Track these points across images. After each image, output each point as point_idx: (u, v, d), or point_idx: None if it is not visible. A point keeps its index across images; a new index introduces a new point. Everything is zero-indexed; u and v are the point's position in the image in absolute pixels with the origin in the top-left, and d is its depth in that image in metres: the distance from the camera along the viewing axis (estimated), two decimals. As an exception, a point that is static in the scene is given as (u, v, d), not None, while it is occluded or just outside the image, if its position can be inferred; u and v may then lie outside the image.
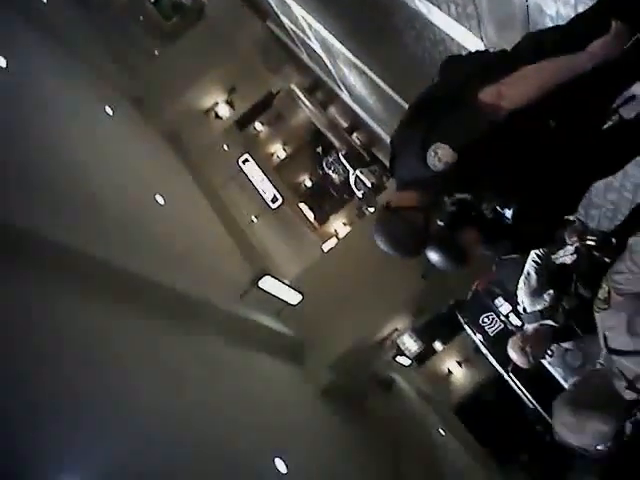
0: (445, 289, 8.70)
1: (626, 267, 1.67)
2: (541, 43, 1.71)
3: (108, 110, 8.41)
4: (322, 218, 18.53)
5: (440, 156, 1.61)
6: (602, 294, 1.70)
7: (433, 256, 1.98)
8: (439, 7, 3.63)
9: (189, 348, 4.99)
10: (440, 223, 2.02)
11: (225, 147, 13.02)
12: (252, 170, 11.36)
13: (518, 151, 1.70)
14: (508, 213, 1.85)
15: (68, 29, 9.41)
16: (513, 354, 2.70)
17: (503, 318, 6.45)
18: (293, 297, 7.48)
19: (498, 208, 1.88)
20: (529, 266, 2.73)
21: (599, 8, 1.73)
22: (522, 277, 2.77)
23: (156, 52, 12.10)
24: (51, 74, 7.32)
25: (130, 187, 6.86)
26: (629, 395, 1.65)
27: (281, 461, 4.72)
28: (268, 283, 6.92)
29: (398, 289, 8.13)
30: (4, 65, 5.87)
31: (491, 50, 1.91)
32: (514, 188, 1.80)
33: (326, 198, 18.16)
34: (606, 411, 1.69)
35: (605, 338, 1.67)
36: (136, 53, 11.67)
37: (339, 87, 9.26)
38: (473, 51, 1.95)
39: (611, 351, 1.66)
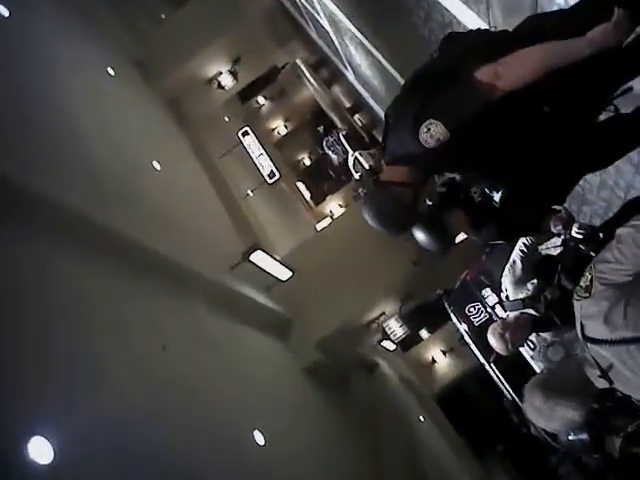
0: (435, 277, 8.72)
1: (612, 256, 1.66)
2: (542, 26, 1.69)
3: (110, 71, 8.31)
4: (318, 198, 18.51)
5: (432, 132, 1.60)
6: (584, 282, 1.69)
7: (419, 235, 1.99)
8: (449, -12, 3.59)
9: (177, 315, 5.01)
10: (429, 203, 2.03)
11: (226, 119, 12.91)
12: (251, 143, 11.28)
13: (510, 133, 1.70)
14: (496, 196, 1.86)
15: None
16: (492, 340, 2.72)
17: (489, 309, 6.48)
18: (283, 273, 7.48)
19: (487, 191, 1.88)
20: (515, 254, 2.75)
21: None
22: (507, 265, 2.79)
23: (162, 16, 11.91)
24: (54, 28, 7.21)
25: (127, 150, 6.81)
26: (601, 384, 1.67)
27: (260, 434, 4.76)
28: (259, 257, 6.92)
29: (388, 273, 8.15)
30: (7, 15, 5.78)
31: (492, 30, 1.89)
32: (504, 170, 1.80)
33: (324, 178, 18.10)
34: (576, 398, 1.71)
35: (582, 326, 1.68)
36: (142, 16, 11.47)
37: (344, 66, 9.17)
38: (474, 29, 1.93)
39: (587, 339, 1.67)
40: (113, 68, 8.37)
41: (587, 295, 1.66)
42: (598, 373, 1.65)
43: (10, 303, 2.95)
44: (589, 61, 1.56)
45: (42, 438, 2.57)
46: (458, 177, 1.99)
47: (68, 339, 3.26)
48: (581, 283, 1.69)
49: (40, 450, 2.53)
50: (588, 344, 1.66)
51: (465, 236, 2.89)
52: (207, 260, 6.18)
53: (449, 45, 1.87)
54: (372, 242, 7.65)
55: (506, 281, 2.82)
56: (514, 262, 2.75)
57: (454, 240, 2.06)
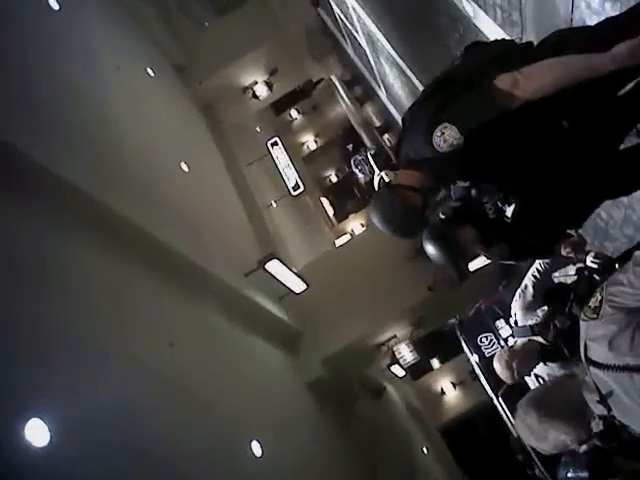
0: (450, 305, 8.61)
1: (626, 279, 1.58)
2: (567, 38, 1.67)
3: (150, 71, 8.50)
4: (341, 215, 18.51)
5: (446, 137, 1.59)
6: (593, 303, 1.62)
7: (429, 248, 1.96)
8: (486, 11, 3.60)
9: (185, 315, 5.01)
10: (442, 216, 1.99)
11: (257, 128, 13.06)
12: (279, 154, 11.38)
13: (525, 145, 1.67)
14: (508, 210, 1.82)
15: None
16: (498, 367, 2.66)
17: (502, 341, 6.35)
18: (298, 285, 7.43)
19: (499, 204, 1.84)
20: (527, 280, 2.68)
21: (632, 13, 1.68)
22: (519, 290, 2.73)
23: (206, 23, 12.17)
24: (101, 25, 7.44)
25: (157, 149, 6.92)
26: (599, 410, 1.60)
27: (258, 444, 4.70)
28: (275, 267, 6.89)
29: (403, 296, 8.04)
30: (57, 8, 5.98)
31: (517, 41, 1.88)
32: (516, 183, 1.76)
33: (349, 196, 18.12)
34: (571, 422, 1.64)
35: (586, 347, 1.62)
36: (187, 21, 11.76)
37: (378, 85, 9.22)
38: (499, 38, 1.92)
39: (589, 362, 1.61)
40: (152, 69, 8.57)
41: (595, 316, 1.60)
42: (597, 398, 1.58)
43: (10, 284, 2.95)
44: (613, 79, 1.53)
45: (39, 420, 2.59)
46: (474, 191, 1.96)
47: (69, 323, 3.27)
48: (590, 303, 1.63)
49: (37, 432, 2.55)
50: (590, 367, 1.59)
51: (482, 265, 2.81)
52: (223, 264, 6.18)
53: (471, 53, 1.86)
54: (389, 263, 7.59)
55: (516, 306, 2.75)
56: (526, 287, 2.69)
57: (465, 258, 2.02)
